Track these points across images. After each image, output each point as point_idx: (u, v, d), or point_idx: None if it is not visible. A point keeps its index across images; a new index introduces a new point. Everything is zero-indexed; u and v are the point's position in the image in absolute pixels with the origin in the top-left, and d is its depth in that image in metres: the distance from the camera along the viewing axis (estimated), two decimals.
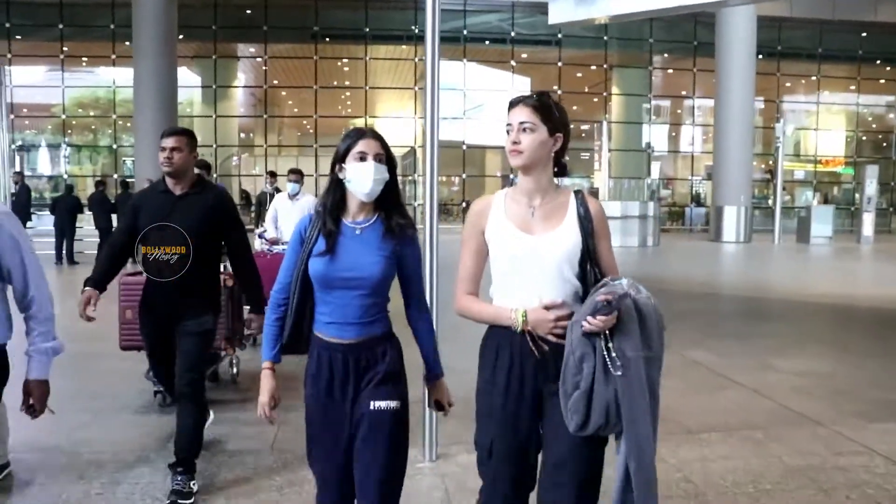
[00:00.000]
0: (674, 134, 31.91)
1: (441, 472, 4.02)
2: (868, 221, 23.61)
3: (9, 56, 25.16)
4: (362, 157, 2.47)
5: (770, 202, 26.97)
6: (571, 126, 2.43)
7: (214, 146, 26.76)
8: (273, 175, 11.82)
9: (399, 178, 2.61)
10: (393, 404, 2.49)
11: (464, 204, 28.03)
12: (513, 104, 2.38)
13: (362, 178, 2.46)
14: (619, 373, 2.14)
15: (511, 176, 25.56)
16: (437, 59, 4.09)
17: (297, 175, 7.99)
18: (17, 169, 22.42)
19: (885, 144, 31.88)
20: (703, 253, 19.87)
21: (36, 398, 2.95)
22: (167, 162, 3.70)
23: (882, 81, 30.57)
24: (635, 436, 2.16)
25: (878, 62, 29.72)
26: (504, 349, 2.38)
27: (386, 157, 2.52)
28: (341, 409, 2.50)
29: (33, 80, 27.37)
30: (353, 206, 2.55)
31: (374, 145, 2.50)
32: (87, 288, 3.74)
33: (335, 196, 2.54)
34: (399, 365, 2.59)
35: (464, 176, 28.73)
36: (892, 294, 11.56)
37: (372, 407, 2.46)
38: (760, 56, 24.48)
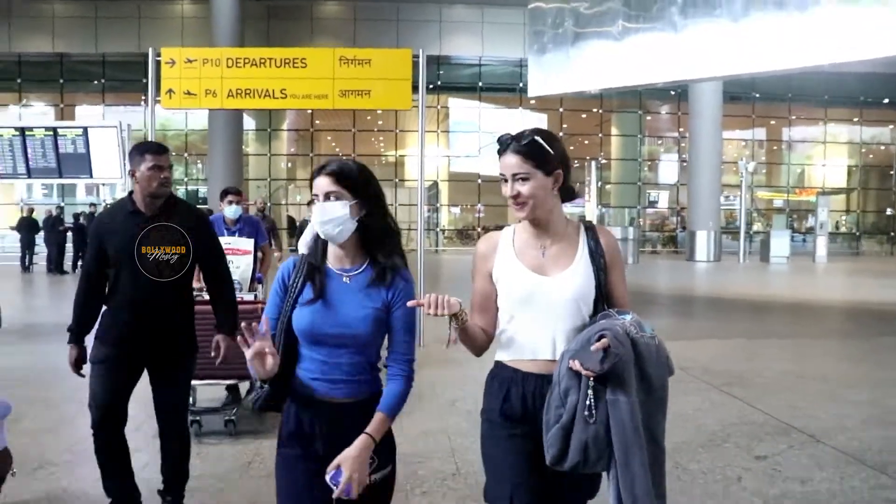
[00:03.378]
0: (663, 168, 36.25)
1: None
2: (821, 244, 27.83)
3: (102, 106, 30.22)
4: (312, 202, 2.27)
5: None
6: (575, 164, 3.07)
7: (268, 179, 31.61)
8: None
9: (385, 211, 2.33)
10: (387, 471, 2.32)
11: (481, 230, 32.73)
12: (501, 149, 2.25)
13: (315, 224, 2.26)
14: (592, 421, 2.03)
15: None
16: (423, 109, 7.49)
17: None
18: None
19: (849, 175, 35.97)
20: (671, 269, 24.20)
21: None
22: (166, 182, 3.50)
23: (852, 120, 34.78)
24: (630, 482, 2.02)
25: (845, 105, 33.90)
26: (515, 387, 2.25)
27: (353, 189, 2.25)
28: (320, 476, 2.20)
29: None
30: (332, 250, 2.32)
31: (325, 183, 2.24)
32: (72, 345, 3.56)
33: (317, 238, 2.34)
34: (389, 430, 2.33)
35: (479, 205, 33.30)
36: (799, 294, 16.04)
37: (369, 481, 2.22)
38: (734, 99, 28.88)
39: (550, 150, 2.23)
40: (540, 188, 2.21)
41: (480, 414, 2.34)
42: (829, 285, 19.58)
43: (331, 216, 2.23)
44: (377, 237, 2.29)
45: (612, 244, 2.32)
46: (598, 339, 2.04)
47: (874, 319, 12.28)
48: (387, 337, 2.32)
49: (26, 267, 20.35)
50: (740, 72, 16.45)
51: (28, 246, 20.44)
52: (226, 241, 5.79)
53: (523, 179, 2.20)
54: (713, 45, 14.21)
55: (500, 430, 2.25)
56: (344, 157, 2.30)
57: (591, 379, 2.04)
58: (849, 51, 11.86)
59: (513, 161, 2.21)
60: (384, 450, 2.31)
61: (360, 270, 2.31)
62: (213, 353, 3.74)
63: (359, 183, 2.28)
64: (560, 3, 17.11)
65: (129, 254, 3.46)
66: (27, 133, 17.89)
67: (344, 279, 2.30)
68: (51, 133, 17.98)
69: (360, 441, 2.20)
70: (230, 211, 6.79)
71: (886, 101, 33.25)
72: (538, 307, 2.22)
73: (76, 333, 3.57)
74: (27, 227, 20.38)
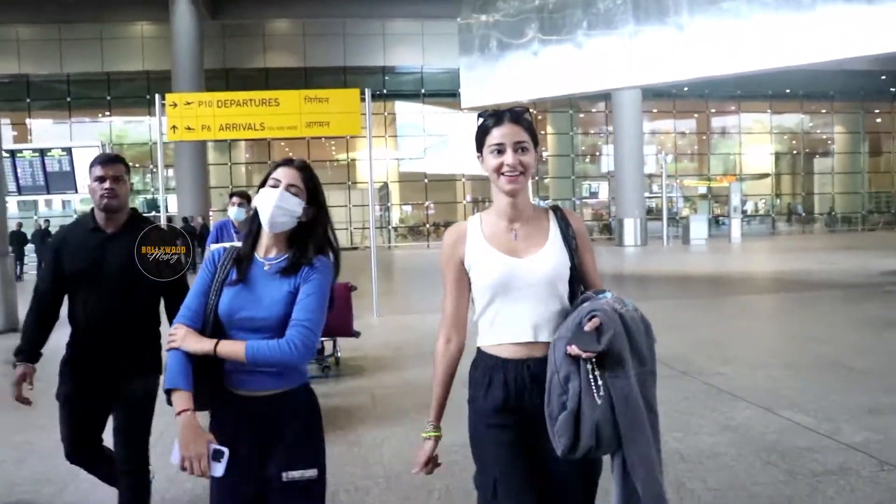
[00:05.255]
0: (594, 162, 39.20)
1: None
2: (735, 226, 31.10)
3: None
4: (274, 185, 2.32)
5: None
6: None
7: (230, 186, 33.80)
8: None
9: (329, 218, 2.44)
10: (308, 473, 2.26)
11: (430, 226, 35.36)
12: (499, 120, 2.21)
13: (264, 205, 2.30)
14: (600, 401, 2.01)
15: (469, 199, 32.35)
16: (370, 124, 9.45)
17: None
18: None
19: (766, 162, 39.36)
20: (599, 252, 27.02)
21: None
22: (109, 194, 3.21)
23: (764, 112, 38.16)
24: (638, 455, 2.03)
25: (757, 98, 37.18)
26: (497, 374, 2.22)
27: (310, 192, 2.36)
28: (246, 474, 2.22)
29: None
30: (264, 239, 2.38)
31: (293, 175, 2.34)
32: (18, 363, 3.26)
33: (251, 226, 2.41)
34: (317, 428, 2.35)
35: (428, 203, 35.87)
36: (693, 269, 18.96)
37: (284, 478, 2.22)
38: (657, 96, 31.84)
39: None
40: (533, 161, 2.21)
41: (467, 403, 2.28)
42: (721, 260, 22.56)
43: (286, 205, 2.30)
44: (313, 234, 2.37)
45: (582, 227, 2.32)
46: (590, 321, 2.04)
47: (738, 283, 15.26)
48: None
49: (18, 276, 22.39)
50: (634, 83, 19.39)
51: (19, 257, 22.44)
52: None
53: (524, 149, 2.18)
54: (609, 59, 16.84)
55: (485, 420, 2.22)
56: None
57: (592, 361, 2.03)
58: (770, 58, 14.29)
59: (514, 130, 2.18)
60: (310, 451, 2.30)
61: (279, 259, 2.34)
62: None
63: (316, 189, 2.39)
64: (485, 20, 19.38)
65: (86, 273, 3.21)
66: (17, 155, 20.06)
67: (265, 266, 2.34)
68: (38, 154, 20.29)
69: (204, 340, 2.26)
70: (233, 212, 6.96)
71: (787, 90, 36.62)
72: (515, 290, 2.20)
73: (25, 353, 3.26)
74: (17, 239, 22.39)
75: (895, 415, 5.33)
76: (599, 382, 2.03)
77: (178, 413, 2.16)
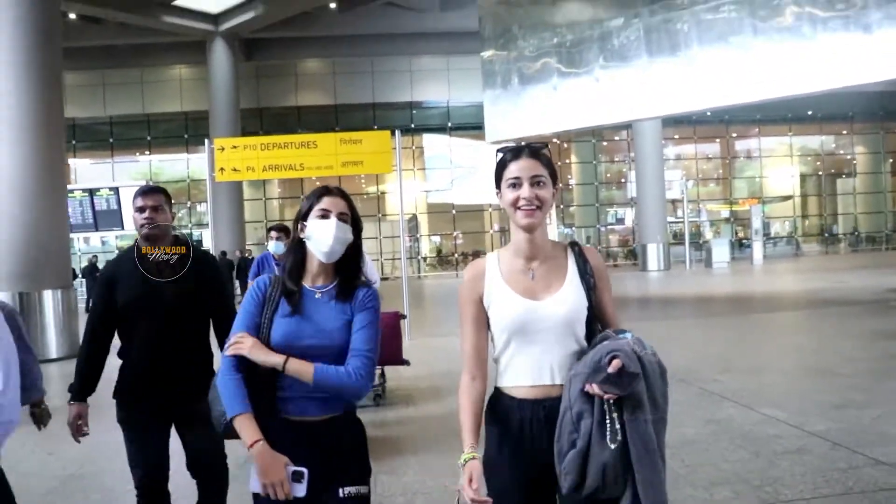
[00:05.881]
0: (623, 188, 39.98)
1: None
2: (757, 248, 31.67)
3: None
4: (324, 215, 2.35)
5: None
6: None
7: (264, 221, 35.12)
8: None
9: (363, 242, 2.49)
10: (363, 490, 2.36)
11: (459, 255, 36.33)
12: (515, 155, 2.23)
13: (322, 236, 2.34)
14: (613, 445, 2.00)
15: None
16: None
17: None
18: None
19: (788, 184, 39.86)
20: (622, 278, 27.77)
21: None
22: (148, 223, 3.31)
23: (785, 136, 38.78)
24: (654, 500, 2.01)
25: (779, 121, 37.82)
26: (514, 415, 2.22)
27: (352, 218, 2.41)
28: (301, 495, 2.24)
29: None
30: (313, 268, 2.42)
31: (339, 204, 2.39)
32: (72, 403, 3.33)
33: (295, 257, 2.42)
34: (364, 446, 2.45)
35: (456, 233, 36.89)
36: (713, 290, 19.68)
37: (342, 494, 2.30)
38: (678, 123, 32.65)
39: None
40: (550, 196, 2.20)
41: (485, 440, 2.27)
42: (740, 282, 23.23)
43: (343, 235, 2.36)
44: (353, 260, 2.43)
45: (600, 263, 2.30)
46: (610, 361, 2.00)
47: (751, 303, 15.98)
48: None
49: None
50: (649, 115, 20.23)
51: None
52: None
53: (541, 183, 2.18)
54: (626, 91, 17.68)
55: (499, 459, 2.22)
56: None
57: (611, 401, 2.01)
58: (775, 88, 15.03)
59: (531, 164, 2.19)
60: (358, 467, 2.38)
61: (330, 287, 2.40)
62: None
63: (356, 215, 2.44)
64: (507, 56, 20.31)
65: (138, 303, 3.29)
66: (69, 195, 21.34)
67: (316, 295, 2.38)
68: (87, 194, 21.60)
69: (274, 354, 2.29)
70: (273, 246, 7.18)
71: (808, 112, 37.25)
72: (532, 332, 2.18)
73: (79, 389, 3.34)
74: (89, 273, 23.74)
75: (859, 409, 6.12)
76: (617, 426, 2.02)
77: (251, 445, 2.21)
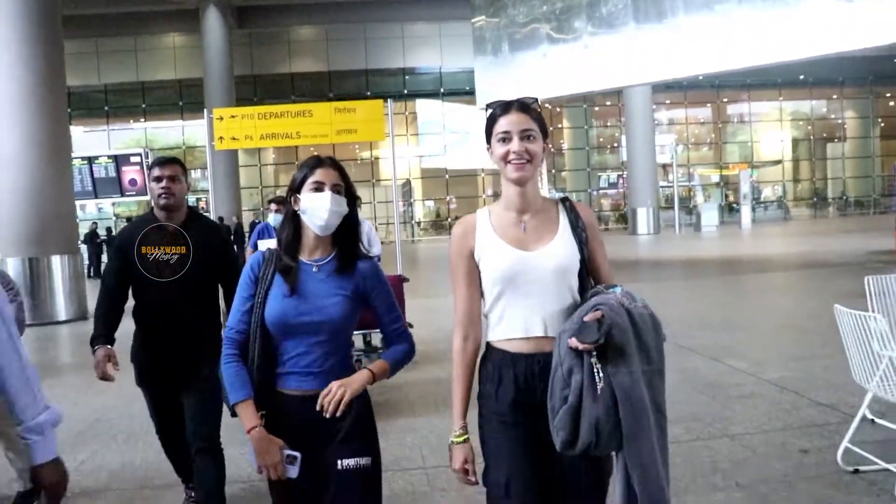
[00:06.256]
0: (616, 153, 40.38)
1: None
2: (745, 213, 32.20)
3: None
4: (318, 188, 2.33)
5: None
6: None
7: (259, 187, 35.50)
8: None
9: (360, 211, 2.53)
10: (363, 461, 2.34)
11: (454, 219, 36.75)
12: (504, 109, 2.22)
13: (318, 210, 2.32)
14: (600, 393, 1.98)
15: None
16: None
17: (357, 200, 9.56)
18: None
19: (777, 149, 40.30)
20: (611, 241, 28.26)
21: (48, 486, 2.04)
22: (166, 192, 3.44)
23: (775, 100, 39.13)
24: (637, 454, 2.01)
25: (769, 86, 38.12)
26: (507, 370, 2.21)
27: (346, 189, 2.39)
28: (305, 469, 2.31)
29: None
30: (309, 241, 2.40)
31: (332, 175, 2.36)
32: (98, 347, 3.44)
33: (290, 230, 2.40)
34: (368, 418, 2.42)
35: (450, 197, 37.32)
36: (709, 253, 20.22)
37: (340, 466, 2.31)
38: (669, 88, 33.00)
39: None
40: (540, 150, 2.19)
41: (477, 398, 2.27)
42: (726, 245, 23.78)
43: (338, 208, 2.34)
44: (350, 230, 2.42)
45: (591, 219, 2.30)
46: (593, 313, 2.02)
47: (733, 265, 16.54)
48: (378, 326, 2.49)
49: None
50: (637, 82, 20.57)
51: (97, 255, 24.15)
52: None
53: (531, 137, 2.17)
54: (614, 58, 17.97)
55: (497, 418, 2.21)
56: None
57: (594, 354, 2.00)
58: (759, 55, 15.41)
59: (521, 118, 2.18)
60: (366, 437, 2.40)
61: (328, 260, 2.39)
62: None
63: (350, 185, 2.42)
64: (497, 23, 20.63)
65: (150, 269, 3.43)
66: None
67: (314, 269, 2.37)
68: (86, 162, 21.94)
69: (361, 373, 2.34)
70: (272, 218, 7.41)
71: (799, 77, 37.55)
72: (524, 283, 2.17)
73: (104, 336, 3.48)
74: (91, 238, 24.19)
75: (814, 360, 6.66)
76: (601, 375, 2.00)
77: (249, 430, 2.29)
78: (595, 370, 2.00)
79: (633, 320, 2.05)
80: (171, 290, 3.42)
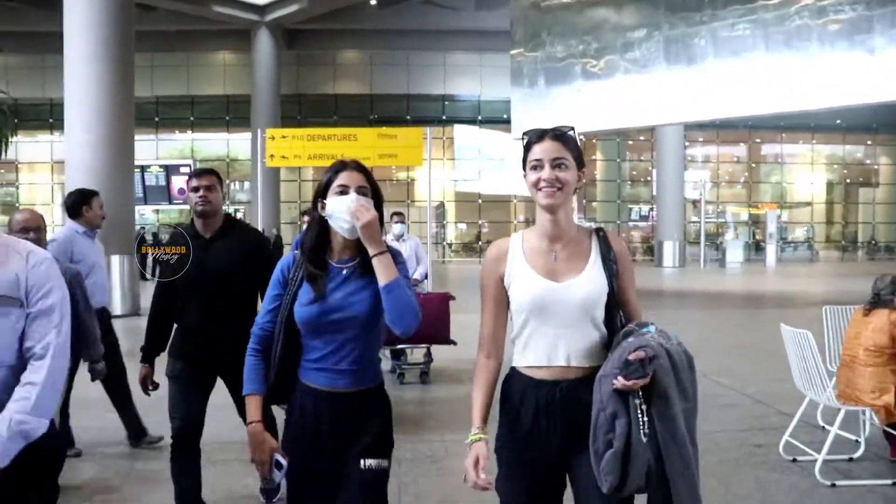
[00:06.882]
0: (649, 186, 41.07)
1: None
2: (770, 251, 32.68)
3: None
4: (343, 191, 2.33)
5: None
6: None
7: (298, 201, 36.75)
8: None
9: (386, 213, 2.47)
10: (384, 464, 2.40)
11: (485, 243, 37.62)
12: (539, 138, 2.23)
13: (344, 213, 2.31)
14: (645, 439, 2.01)
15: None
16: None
17: (399, 216, 8.40)
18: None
19: (808, 191, 40.74)
20: (638, 272, 28.93)
21: None
22: (202, 201, 3.56)
23: (808, 143, 39.68)
24: (686, 491, 2.04)
25: (802, 129, 38.68)
26: (529, 395, 2.24)
27: (372, 191, 2.39)
28: (325, 463, 2.37)
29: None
30: (337, 244, 2.41)
31: (357, 177, 2.37)
32: (142, 364, 3.78)
33: (316, 234, 2.42)
34: (389, 423, 2.46)
35: (481, 221, 38.32)
36: (715, 288, 20.99)
37: (363, 466, 2.34)
38: (702, 127, 33.79)
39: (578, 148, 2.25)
40: (573, 178, 2.21)
41: (499, 418, 2.32)
42: (745, 281, 24.50)
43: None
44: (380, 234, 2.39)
45: (624, 251, 2.31)
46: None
47: (744, 300, 17.26)
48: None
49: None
50: (667, 121, 21.39)
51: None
52: None
53: (562, 166, 2.18)
54: (646, 98, 18.81)
55: (513, 441, 2.26)
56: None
57: (640, 395, 2.03)
58: (783, 102, 16.25)
59: (554, 146, 2.20)
60: (384, 444, 2.43)
61: (356, 262, 2.40)
62: None
63: (375, 186, 2.44)
64: (534, 57, 21.52)
65: (192, 275, 3.54)
66: None
67: (343, 272, 2.40)
68: (139, 170, 23.22)
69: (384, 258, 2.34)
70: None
71: (834, 122, 38.08)
72: (551, 314, 2.20)
73: (146, 353, 3.74)
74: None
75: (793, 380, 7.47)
76: (646, 419, 2.02)
77: (248, 423, 2.40)
78: (639, 412, 2.04)
79: (671, 360, 2.09)
80: (213, 294, 3.60)
